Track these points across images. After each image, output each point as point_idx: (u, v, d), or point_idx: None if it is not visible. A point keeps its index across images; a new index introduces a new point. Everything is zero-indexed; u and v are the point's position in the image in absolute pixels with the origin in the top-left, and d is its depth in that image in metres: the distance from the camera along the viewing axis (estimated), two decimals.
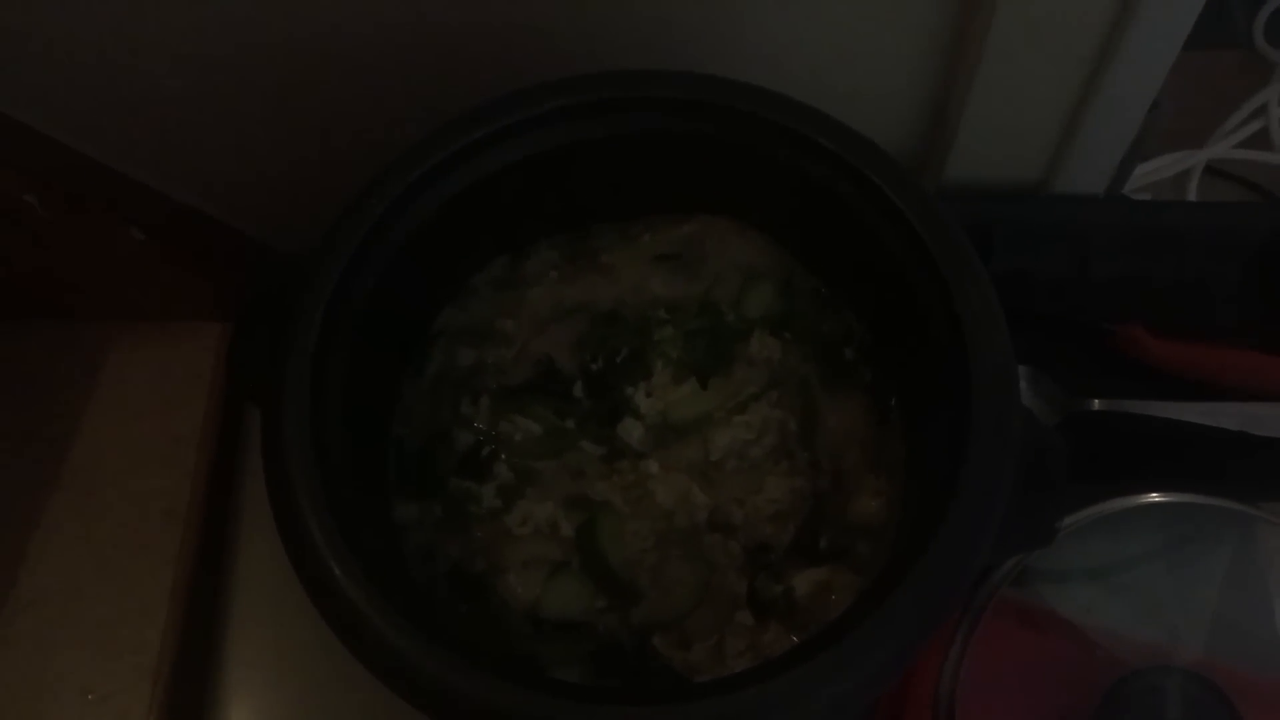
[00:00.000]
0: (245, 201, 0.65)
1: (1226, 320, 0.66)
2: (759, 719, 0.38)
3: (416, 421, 0.54)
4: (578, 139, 0.51)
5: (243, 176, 0.62)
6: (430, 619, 0.48)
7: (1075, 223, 0.67)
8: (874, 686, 0.40)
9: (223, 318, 0.70)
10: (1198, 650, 0.55)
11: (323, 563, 0.41)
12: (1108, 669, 0.54)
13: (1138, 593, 0.58)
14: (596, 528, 0.51)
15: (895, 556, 0.45)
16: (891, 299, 0.50)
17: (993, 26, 0.53)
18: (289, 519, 0.42)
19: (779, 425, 0.53)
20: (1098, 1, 0.52)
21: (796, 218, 0.54)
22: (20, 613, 0.61)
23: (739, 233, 0.58)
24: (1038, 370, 0.64)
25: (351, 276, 0.47)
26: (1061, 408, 0.62)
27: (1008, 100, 0.59)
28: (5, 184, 0.55)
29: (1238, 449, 0.59)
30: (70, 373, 0.68)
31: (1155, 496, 0.58)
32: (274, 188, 0.63)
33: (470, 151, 0.50)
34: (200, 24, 0.51)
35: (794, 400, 0.54)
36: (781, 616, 0.49)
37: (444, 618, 0.49)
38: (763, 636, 0.49)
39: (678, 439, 0.53)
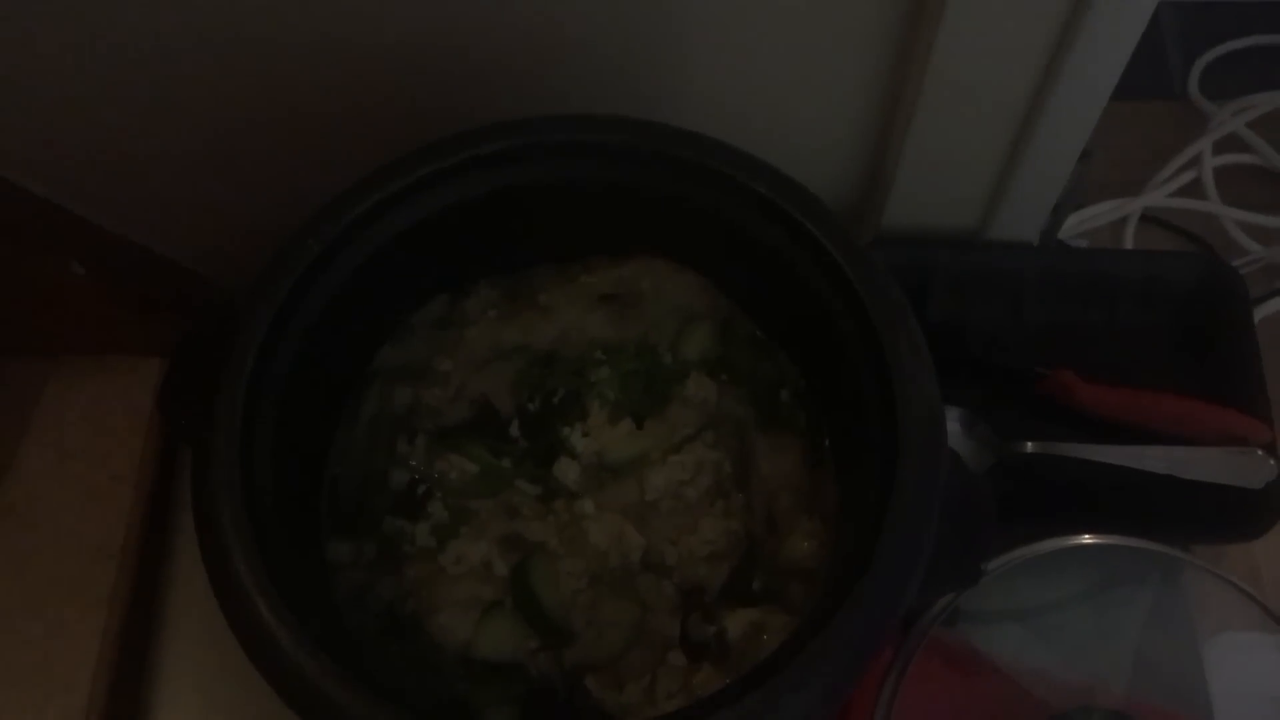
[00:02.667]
0: (188, 237, 0.64)
1: (1155, 365, 0.68)
2: None
3: (352, 460, 0.54)
4: (516, 182, 0.51)
5: (185, 212, 0.62)
6: (360, 661, 0.48)
7: (1009, 269, 0.68)
8: None
9: (163, 354, 0.69)
10: (1122, 691, 0.55)
11: (250, 605, 0.40)
12: (1034, 711, 0.55)
13: (1064, 635, 0.59)
14: (530, 568, 0.51)
15: (824, 598, 0.46)
16: (825, 345, 0.50)
17: (925, 85, 0.55)
18: (217, 561, 0.42)
19: (714, 466, 0.54)
20: (1023, 63, 0.53)
21: (733, 262, 0.55)
22: None
23: (677, 275, 0.58)
24: (972, 414, 0.64)
25: (287, 315, 0.47)
26: (995, 450, 0.63)
27: (941, 152, 0.60)
28: None
29: (1164, 492, 0.60)
30: (5, 408, 0.67)
31: (1084, 538, 0.59)
32: (217, 224, 0.63)
33: (409, 192, 0.50)
34: (143, 60, 0.51)
35: (729, 442, 0.55)
36: (714, 657, 0.49)
37: (375, 659, 0.49)
38: (695, 677, 0.49)
39: (613, 479, 0.53)
